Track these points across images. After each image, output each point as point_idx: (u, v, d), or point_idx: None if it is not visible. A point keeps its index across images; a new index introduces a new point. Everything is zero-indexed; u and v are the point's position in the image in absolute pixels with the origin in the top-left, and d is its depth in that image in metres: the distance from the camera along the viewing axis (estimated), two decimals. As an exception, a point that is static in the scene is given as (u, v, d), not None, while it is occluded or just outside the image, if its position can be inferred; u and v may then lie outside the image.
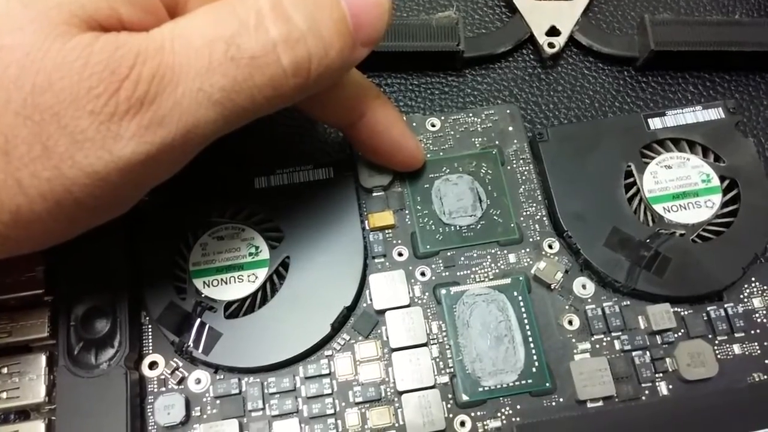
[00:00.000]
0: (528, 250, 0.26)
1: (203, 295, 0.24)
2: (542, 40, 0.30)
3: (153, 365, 0.24)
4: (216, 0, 0.18)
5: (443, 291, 0.25)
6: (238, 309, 0.24)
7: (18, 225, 0.17)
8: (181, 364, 0.24)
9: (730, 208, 0.25)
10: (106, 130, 0.16)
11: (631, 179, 0.26)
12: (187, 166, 0.19)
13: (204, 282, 0.24)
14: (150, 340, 0.24)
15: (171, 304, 0.24)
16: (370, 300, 0.24)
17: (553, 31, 0.30)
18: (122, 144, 0.17)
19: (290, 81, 0.18)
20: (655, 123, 0.27)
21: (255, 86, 0.18)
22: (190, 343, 0.23)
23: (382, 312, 0.24)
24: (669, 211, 0.25)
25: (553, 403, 0.23)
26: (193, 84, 0.17)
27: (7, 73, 0.16)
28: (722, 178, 0.26)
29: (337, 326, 0.24)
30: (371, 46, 0.20)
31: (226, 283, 0.24)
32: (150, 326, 0.24)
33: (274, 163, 0.26)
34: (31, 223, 0.17)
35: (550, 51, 0.30)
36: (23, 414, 0.23)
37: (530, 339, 0.24)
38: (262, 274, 0.25)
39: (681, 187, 0.26)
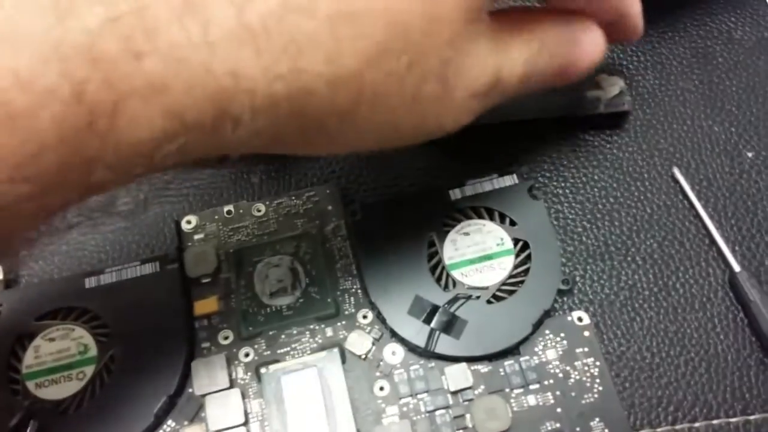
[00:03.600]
0: (344, 322, 0.28)
1: (35, 396, 0.26)
2: (362, 120, 0.32)
3: (-12, 469, 0.25)
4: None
5: (263, 370, 0.26)
6: (68, 406, 0.26)
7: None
8: (12, 466, 0.25)
9: (523, 268, 0.28)
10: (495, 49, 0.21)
11: (434, 248, 0.28)
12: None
13: (36, 384, 0.26)
14: (-14, 445, 0.25)
15: (7, 406, 0.25)
16: (192, 386, 0.26)
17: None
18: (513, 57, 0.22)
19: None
20: (455, 193, 0.29)
21: None
22: (21, 445, 0.25)
23: (203, 396, 0.26)
24: (466, 275, 0.28)
25: (360, 470, 0.25)
26: None
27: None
28: (515, 241, 0.28)
29: (161, 414, 0.26)
30: None
31: (56, 383, 0.26)
32: (-15, 431, 0.26)
33: (103, 263, 0.28)
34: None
35: (369, 130, 0.32)
36: None
37: (344, 408, 0.25)
38: (90, 370, 0.26)
39: (477, 252, 0.28)
